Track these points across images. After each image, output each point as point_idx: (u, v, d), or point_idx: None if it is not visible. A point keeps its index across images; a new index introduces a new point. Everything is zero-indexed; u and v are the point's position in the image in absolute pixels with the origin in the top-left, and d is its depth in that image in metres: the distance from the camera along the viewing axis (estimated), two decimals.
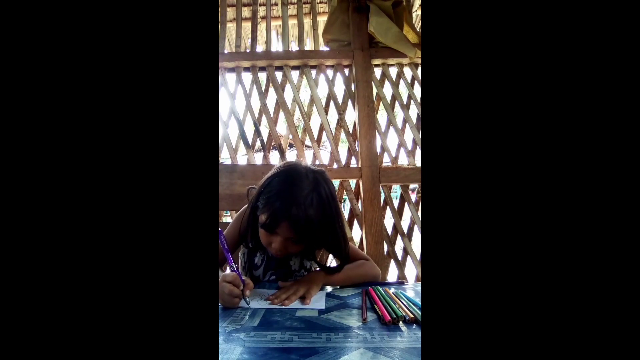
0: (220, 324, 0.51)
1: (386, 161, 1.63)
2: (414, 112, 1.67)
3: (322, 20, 1.89)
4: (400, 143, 1.62)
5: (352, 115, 1.68)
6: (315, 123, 1.68)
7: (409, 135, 1.64)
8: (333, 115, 1.70)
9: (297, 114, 1.65)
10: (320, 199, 0.68)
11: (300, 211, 0.65)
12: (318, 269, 0.85)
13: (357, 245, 1.56)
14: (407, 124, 1.65)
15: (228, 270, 0.64)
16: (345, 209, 1.65)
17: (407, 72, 1.71)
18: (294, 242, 0.70)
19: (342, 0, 1.68)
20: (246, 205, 0.80)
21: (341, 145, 1.62)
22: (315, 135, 1.63)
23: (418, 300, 0.59)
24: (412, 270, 1.56)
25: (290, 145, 2.33)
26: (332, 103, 1.67)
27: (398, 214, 1.58)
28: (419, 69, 1.68)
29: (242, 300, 0.60)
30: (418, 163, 1.59)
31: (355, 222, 1.59)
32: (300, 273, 0.84)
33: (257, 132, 1.62)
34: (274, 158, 1.70)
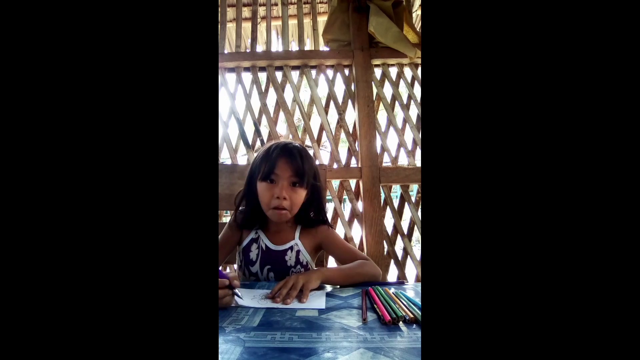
0: (220, 324, 0.51)
1: (386, 161, 1.63)
2: (414, 112, 1.67)
3: (322, 20, 1.89)
4: (400, 143, 1.62)
5: (352, 115, 1.68)
6: (315, 123, 1.68)
7: (409, 135, 1.64)
8: (333, 115, 1.70)
9: (297, 114, 1.65)
10: (301, 146, 0.84)
11: (292, 147, 0.80)
12: (314, 266, 0.86)
13: (357, 245, 1.56)
14: (407, 124, 1.65)
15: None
16: (346, 209, 1.65)
17: (407, 72, 1.71)
18: (294, 185, 0.79)
19: (342, 0, 1.68)
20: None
21: (341, 145, 1.62)
22: (315, 135, 1.63)
23: (418, 300, 0.59)
24: (412, 270, 1.56)
25: None
26: (332, 103, 1.67)
27: (398, 214, 1.58)
28: (419, 69, 1.68)
29: (234, 296, 0.59)
30: (418, 163, 1.59)
31: (356, 222, 1.59)
32: (296, 268, 0.85)
33: (257, 132, 1.62)
34: None
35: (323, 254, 1.00)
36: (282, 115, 1.66)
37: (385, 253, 1.52)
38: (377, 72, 1.68)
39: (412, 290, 0.71)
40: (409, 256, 1.56)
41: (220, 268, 0.92)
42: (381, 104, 1.67)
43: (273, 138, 1.62)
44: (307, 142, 1.68)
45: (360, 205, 1.57)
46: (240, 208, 0.89)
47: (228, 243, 0.89)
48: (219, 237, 0.89)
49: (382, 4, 1.63)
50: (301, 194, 0.81)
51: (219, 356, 0.40)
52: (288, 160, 0.78)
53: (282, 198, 0.78)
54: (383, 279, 1.43)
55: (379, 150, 1.58)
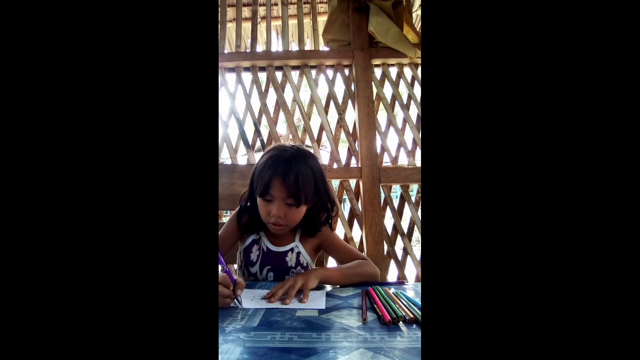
0: (220, 324, 0.51)
1: (386, 161, 1.63)
2: (414, 112, 1.67)
3: (322, 20, 1.89)
4: (400, 143, 1.62)
5: (352, 115, 1.68)
6: (315, 123, 1.68)
7: (409, 135, 1.64)
8: (333, 115, 1.70)
9: (297, 114, 1.65)
10: (301, 151, 0.81)
11: (288, 165, 0.75)
12: (314, 267, 0.86)
13: (357, 245, 1.56)
14: (407, 124, 1.65)
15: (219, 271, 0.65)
16: (345, 209, 1.65)
17: (407, 72, 1.70)
18: (290, 205, 0.77)
19: (342, 0, 1.68)
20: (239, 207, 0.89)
21: (341, 145, 1.62)
22: (315, 135, 1.63)
23: (418, 300, 0.59)
24: (412, 270, 1.56)
25: None
26: (332, 103, 1.67)
27: (398, 214, 1.58)
28: (419, 69, 1.68)
29: (234, 300, 0.60)
30: (418, 163, 1.59)
31: (355, 222, 1.59)
32: (296, 270, 0.85)
33: (257, 132, 1.62)
34: None
35: (323, 255, 1.00)
36: (282, 115, 1.66)
37: (385, 253, 1.52)
38: (377, 72, 1.68)
39: (412, 290, 0.71)
40: (409, 256, 1.56)
41: (237, 268, 0.92)
42: (381, 104, 1.67)
43: (273, 138, 1.63)
44: (307, 142, 1.68)
45: (360, 205, 1.57)
46: (242, 204, 0.88)
47: (229, 239, 0.89)
48: (220, 232, 0.89)
49: (382, 4, 1.63)
50: (299, 212, 0.79)
51: (219, 356, 0.40)
52: (282, 180, 0.75)
53: (277, 217, 0.77)
54: (383, 278, 1.44)
55: (379, 150, 1.58)
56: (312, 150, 1.62)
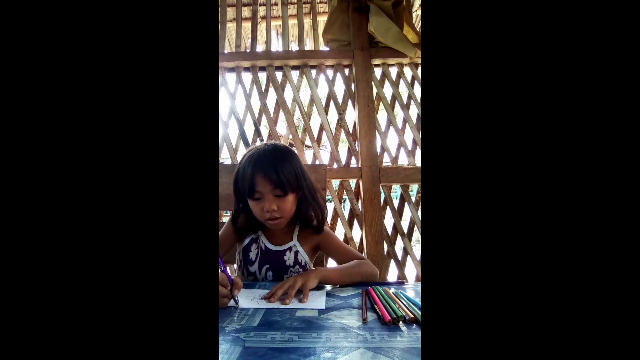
0: (220, 324, 0.51)
1: (386, 161, 1.63)
2: (414, 112, 1.67)
3: (322, 20, 1.89)
4: (400, 143, 1.62)
5: (352, 115, 1.68)
6: (315, 123, 1.68)
7: (409, 135, 1.64)
8: (333, 115, 1.70)
9: (297, 114, 1.65)
10: (276, 145, 0.83)
11: (265, 159, 0.79)
12: (313, 266, 0.87)
13: (357, 245, 1.56)
14: (407, 124, 1.65)
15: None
16: (345, 209, 1.65)
17: (407, 72, 1.70)
18: (278, 196, 0.79)
19: (342, 0, 1.68)
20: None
21: (341, 145, 1.62)
22: (315, 135, 1.63)
23: (418, 300, 0.59)
24: (412, 270, 1.56)
25: (290, 145, 2.32)
26: (332, 103, 1.67)
27: (398, 214, 1.58)
28: (419, 69, 1.68)
29: (231, 300, 0.60)
30: (418, 163, 1.59)
31: (355, 222, 1.58)
32: (295, 269, 0.85)
33: (257, 132, 1.62)
34: None
35: (322, 255, 1.00)
36: (282, 115, 1.66)
37: (385, 253, 1.52)
38: (377, 72, 1.68)
39: (412, 290, 0.71)
40: (409, 256, 1.56)
41: (228, 269, 0.93)
42: (381, 104, 1.67)
43: (273, 138, 1.62)
44: (307, 142, 1.68)
45: (360, 205, 1.57)
46: (234, 210, 0.89)
47: (228, 240, 0.90)
48: (219, 234, 0.90)
49: (382, 4, 1.62)
50: (289, 200, 0.81)
51: (219, 356, 0.40)
52: (263, 175, 0.77)
53: (271, 211, 0.78)
54: (383, 278, 1.43)
55: (379, 150, 1.58)
56: (310, 151, 1.63)
